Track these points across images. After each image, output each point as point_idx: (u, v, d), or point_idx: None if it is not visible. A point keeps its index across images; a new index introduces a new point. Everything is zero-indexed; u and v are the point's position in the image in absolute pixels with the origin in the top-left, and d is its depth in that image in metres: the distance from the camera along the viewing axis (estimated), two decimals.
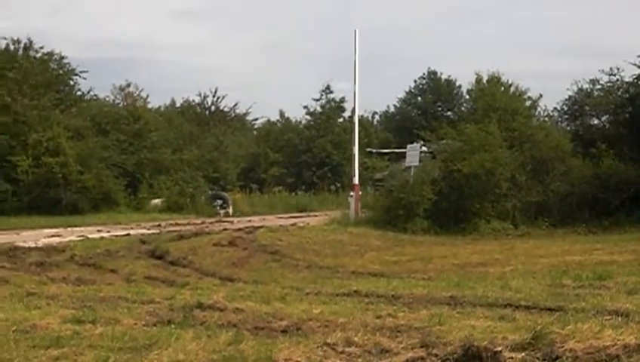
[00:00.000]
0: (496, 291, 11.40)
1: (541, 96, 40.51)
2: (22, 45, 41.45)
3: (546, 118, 41.05)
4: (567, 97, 41.16)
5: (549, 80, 75.03)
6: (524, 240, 28.98)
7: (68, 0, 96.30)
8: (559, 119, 41.72)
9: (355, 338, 7.20)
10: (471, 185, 32.30)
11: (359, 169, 35.61)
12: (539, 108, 40.91)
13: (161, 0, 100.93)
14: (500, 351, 6.22)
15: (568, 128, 40.60)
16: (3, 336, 7.63)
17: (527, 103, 39.75)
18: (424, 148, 37.29)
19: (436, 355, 6.46)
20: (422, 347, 6.88)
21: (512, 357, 6.22)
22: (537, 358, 6.26)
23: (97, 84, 66.02)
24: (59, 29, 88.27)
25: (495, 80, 39.07)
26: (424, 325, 8.03)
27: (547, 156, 35.08)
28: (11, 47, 41.48)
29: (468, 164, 32.02)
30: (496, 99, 37.38)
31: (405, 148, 41.77)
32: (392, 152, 43.62)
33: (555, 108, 41.60)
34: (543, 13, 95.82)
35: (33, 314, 9.32)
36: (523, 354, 6.36)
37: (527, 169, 34.55)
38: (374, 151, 45.19)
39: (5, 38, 41.58)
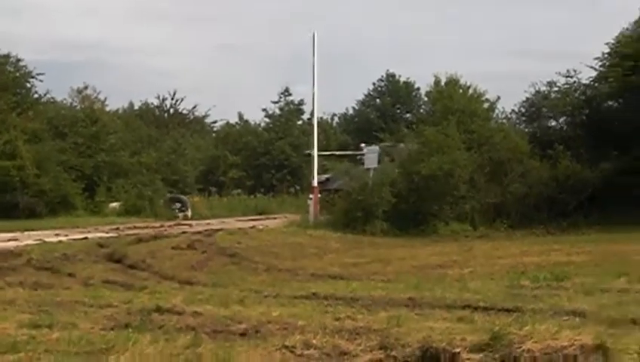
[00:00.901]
0: (454, 293, 11.44)
1: (499, 98, 40.82)
2: None
3: (504, 120, 41.35)
4: (524, 99, 41.54)
5: (506, 81, 75.59)
6: (483, 242, 29.14)
7: (25, 2, 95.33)
8: (517, 121, 42.04)
9: (314, 341, 7.18)
10: (430, 187, 32.42)
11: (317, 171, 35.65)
12: (497, 110, 41.24)
13: (119, 1, 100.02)
14: (459, 353, 6.24)
15: (526, 130, 40.89)
16: None
17: (486, 105, 40.00)
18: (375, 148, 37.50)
19: (395, 357, 6.46)
20: (381, 349, 6.88)
21: (469, 359, 6.24)
22: (495, 359, 6.28)
23: (54, 86, 65.56)
24: (16, 31, 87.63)
25: (453, 82, 39.25)
26: (383, 327, 8.02)
27: (505, 158, 35.32)
28: None
29: (426, 166, 32.12)
30: (455, 101, 37.57)
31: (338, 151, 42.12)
32: (331, 154, 43.65)
33: (512, 110, 41.96)
34: (501, 15, 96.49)
35: None
36: (481, 355, 6.38)
37: (485, 171, 34.76)
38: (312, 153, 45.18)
39: None
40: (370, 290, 12.21)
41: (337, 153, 45.75)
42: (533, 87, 41.21)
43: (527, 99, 41.48)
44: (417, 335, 7.27)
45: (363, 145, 40.72)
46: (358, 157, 40.26)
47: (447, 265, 20.97)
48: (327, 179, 38.83)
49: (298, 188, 46.66)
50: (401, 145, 37.55)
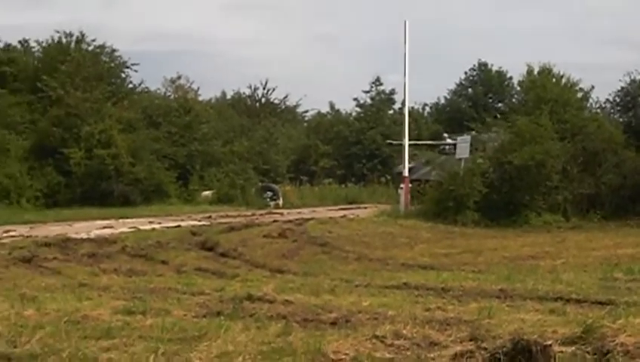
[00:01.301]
0: (546, 284, 11.31)
1: (593, 87, 40.21)
2: (74, 38, 41.80)
3: (598, 110, 40.72)
4: (619, 88, 40.85)
5: (601, 71, 74.35)
6: (576, 233, 28.76)
7: None
8: (611, 111, 41.38)
9: (404, 331, 7.17)
10: (522, 177, 32.07)
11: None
12: (591, 100, 40.62)
13: None
14: (550, 345, 6.16)
15: (621, 120, 40.25)
16: (55, 327, 7.69)
17: (579, 95, 39.42)
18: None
19: (485, 349, 6.42)
20: (471, 340, 6.84)
21: (562, 351, 6.17)
22: (588, 352, 6.20)
23: (148, 76, 66.17)
24: (110, 23, 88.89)
25: (546, 71, 38.77)
26: (473, 318, 7.98)
27: (599, 148, 34.78)
28: (64, 40, 41.86)
29: (519, 156, 31.79)
30: (548, 91, 37.10)
31: (435, 140, 41.79)
32: (415, 144, 43.34)
33: (607, 100, 41.32)
34: (594, 3, 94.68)
35: (85, 305, 9.39)
36: (573, 348, 6.30)
37: (578, 161, 34.27)
38: (394, 142, 44.79)
39: (58, 32, 41.98)
40: (461, 281, 12.15)
41: (415, 143, 45.37)
42: (628, 76, 40.57)
43: (622, 88, 40.85)
44: (508, 327, 7.22)
45: (446, 135, 40.50)
46: (442, 147, 40.00)
47: (539, 257, 20.76)
48: (410, 170, 38.64)
49: (389, 177, 46.51)
50: (487, 135, 37.25)
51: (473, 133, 38.88)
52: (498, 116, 41.21)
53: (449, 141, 39.64)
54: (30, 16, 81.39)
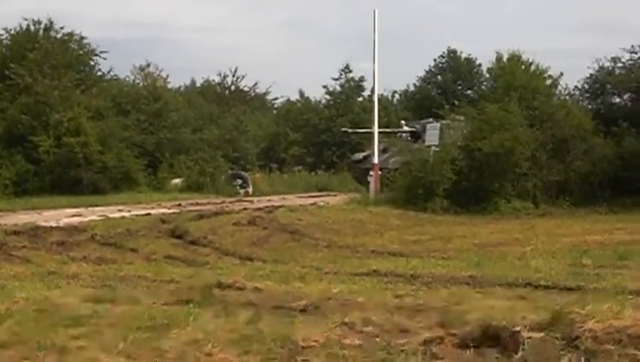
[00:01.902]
0: (516, 271, 11.38)
1: (562, 74, 40.36)
2: (42, 26, 41.48)
3: (567, 97, 40.92)
4: (588, 75, 41.12)
5: (569, 58, 74.62)
6: (545, 220, 28.94)
7: None
8: (580, 98, 41.61)
9: (374, 318, 7.19)
10: (491, 164, 32.19)
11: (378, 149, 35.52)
12: (559, 87, 40.80)
13: None
14: (519, 331, 6.20)
15: (589, 107, 40.46)
16: (24, 315, 7.66)
17: (548, 82, 39.61)
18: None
19: (455, 335, 6.44)
20: (441, 326, 6.87)
21: (530, 337, 6.19)
22: (557, 338, 6.23)
23: (117, 64, 66.00)
24: (79, 10, 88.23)
25: (515, 58, 38.95)
26: (443, 305, 8.00)
27: (568, 135, 34.96)
28: (32, 27, 41.54)
29: (488, 143, 31.90)
30: (517, 78, 37.27)
31: (390, 128, 41.81)
32: (368, 132, 43.35)
33: (576, 87, 41.56)
34: None
35: (54, 293, 9.35)
36: (542, 333, 6.33)
37: (547, 148, 34.44)
38: (350, 130, 44.75)
39: (26, 19, 41.65)
40: (431, 268, 12.20)
41: (358, 131, 45.30)
42: (596, 63, 40.78)
43: (591, 75, 41.07)
44: (478, 314, 7.24)
45: (402, 121, 40.58)
46: (398, 134, 39.98)
47: (509, 243, 20.89)
48: (365, 158, 38.67)
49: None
50: (448, 121, 37.47)
51: (433, 120, 39.15)
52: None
53: (406, 128, 39.61)
54: None
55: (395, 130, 40.74)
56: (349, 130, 43.84)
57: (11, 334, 6.78)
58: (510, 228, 25.63)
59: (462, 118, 37.69)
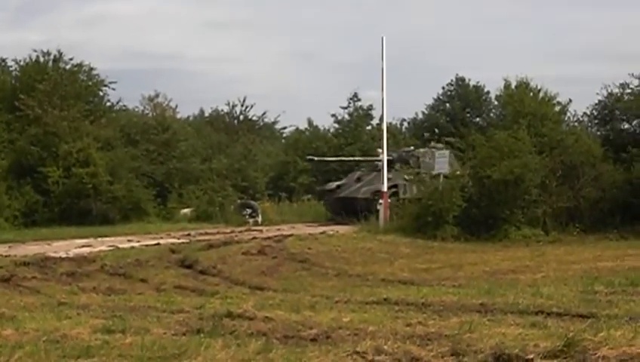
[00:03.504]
0: (527, 298, 11.32)
1: (570, 101, 40.41)
2: (52, 57, 41.66)
3: (576, 123, 40.92)
4: (596, 102, 41.12)
5: (578, 85, 74.63)
6: (556, 247, 28.87)
7: (98, 12, 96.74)
8: (589, 124, 41.59)
9: (385, 347, 7.15)
10: (501, 191, 32.14)
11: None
12: (568, 114, 40.84)
13: (190, 12, 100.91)
14: (532, 359, 6.17)
15: (598, 133, 40.46)
16: (34, 346, 7.64)
17: (557, 108, 39.65)
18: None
19: None
20: (452, 355, 6.84)
21: None
22: None
23: (126, 94, 65.98)
24: (89, 41, 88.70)
25: (524, 85, 39.02)
26: (454, 333, 7.97)
27: (577, 161, 34.93)
28: (41, 59, 41.72)
29: (497, 170, 31.87)
30: (525, 105, 37.31)
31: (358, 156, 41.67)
32: (340, 160, 43.20)
33: (584, 113, 41.53)
34: (568, 18, 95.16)
35: (64, 324, 9.34)
36: (555, 361, 6.30)
37: (557, 175, 34.40)
38: (316, 159, 44.24)
39: (35, 51, 41.85)
40: (442, 296, 12.15)
41: (326, 159, 45.10)
42: (605, 89, 40.82)
43: (600, 101, 41.08)
44: (489, 341, 7.21)
45: (379, 149, 40.45)
46: (376, 162, 39.66)
47: (519, 270, 20.82)
48: (338, 187, 38.57)
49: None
50: (424, 149, 37.56)
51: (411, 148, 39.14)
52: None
53: (383, 157, 39.37)
54: (9, 37, 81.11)
55: (372, 158, 40.47)
56: (315, 159, 43.41)
57: None
58: (521, 255, 25.56)
59: (440, 145, 37.88)
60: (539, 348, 6.67)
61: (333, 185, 38.98)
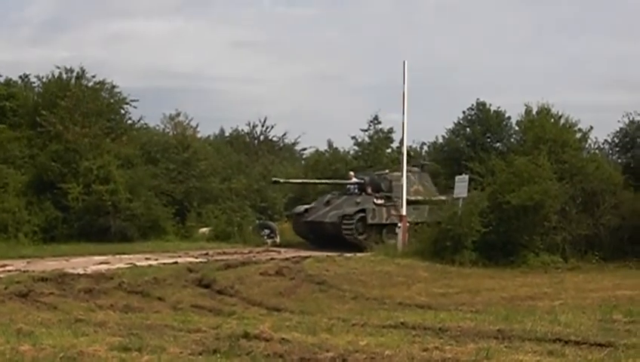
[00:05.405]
0: (545, 325, 11.27)
1: (592, 128, 40.16)
2: (74, 74, 41.82)
3: (597, 151, 40.71)
4: (618, 129, 40.99)
5: (599, 112, 74.51)
6: (574, 274, 28.72)
7: (122, 30, 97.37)
8: (610, 151, 41.46)
9: None
10: (520, 217, 32.02)
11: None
12: (589, 141, 40.56)
13: (214, 32, 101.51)
14: None
15: (619, 161, 40.32)
16: None
17: (578, 135, 39.43)
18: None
19: None
20: None
21: None
22: None
23: (148, 113, 66.31)
24: (112, 59, 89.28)
25: (545, 111, 38.84)
26: (471, 359, 7.94)
27: (598, 189, 34.76)
28: (64, 76, 41.88)
29: (517, 195, 31.76)
30: (546, 131, 37.13)
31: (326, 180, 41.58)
32: (303, 182, 43.05)
33: (605, 141, 41.41)
34: (590, 47, 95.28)
35: (81, 341, 9.36)
36: None
37: (577, 202, 34.25)
38: (282, 181, 43.72)
39: (58, 68, 42.04)
40: (459, 321, 12.10)
41: (291, 181, 44.89)
42: (627, 117, 40.75)
43: (621, 129, 40.99)
44: None
45: (352, 173, 40.25)
46: (347, 186, 39.43)
47: (538, 297, 20.73)
48: (307, 211, 38.42)
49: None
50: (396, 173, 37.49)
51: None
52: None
53: (354, 180, 39.14)
54: (33, 53, 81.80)
55: (344, 181, 40.35)
56: (281, 181, 43.13)
57: None
58: (539, 282, 25.46)
59: (416, 169, 37.96)
60: None
61: (302, 208, 38.64)
